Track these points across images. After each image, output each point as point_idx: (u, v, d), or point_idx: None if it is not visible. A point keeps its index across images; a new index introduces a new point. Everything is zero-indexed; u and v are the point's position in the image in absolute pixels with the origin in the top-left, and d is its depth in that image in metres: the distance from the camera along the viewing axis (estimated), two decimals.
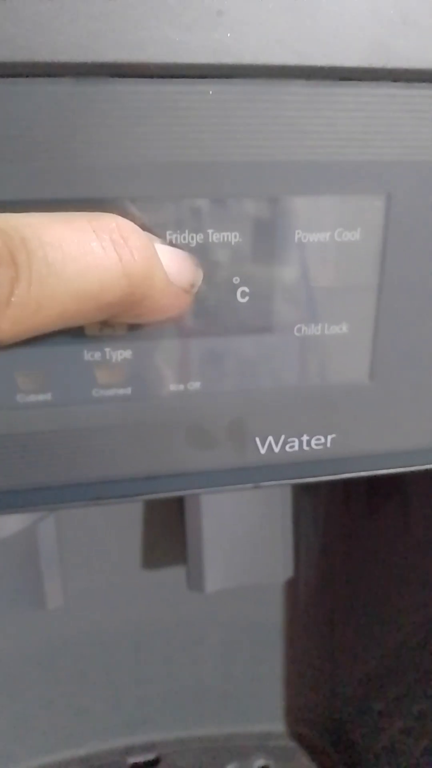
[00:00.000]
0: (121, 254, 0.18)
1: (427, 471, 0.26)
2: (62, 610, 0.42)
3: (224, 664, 0.55)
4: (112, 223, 0.18)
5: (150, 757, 0.54)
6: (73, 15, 0.17)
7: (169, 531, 0.45)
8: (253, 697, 0.56)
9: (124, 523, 0.46)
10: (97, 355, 0.22)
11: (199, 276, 0.21)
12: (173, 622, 0.51)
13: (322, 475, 0.25)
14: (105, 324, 0.21)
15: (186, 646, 0.53)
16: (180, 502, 0.41)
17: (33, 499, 0.23)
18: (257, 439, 0.24)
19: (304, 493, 0.46)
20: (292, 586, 0.51)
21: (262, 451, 0.24)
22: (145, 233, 0.20)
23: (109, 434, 0.23)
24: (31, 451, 0.22)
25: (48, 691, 0.52)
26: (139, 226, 0.19)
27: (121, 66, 0.18)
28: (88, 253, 0.17)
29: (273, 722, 0.56)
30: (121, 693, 0.54)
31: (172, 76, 0.18)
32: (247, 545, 0.40)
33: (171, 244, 0.21)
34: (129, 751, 0.54)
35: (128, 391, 0.22)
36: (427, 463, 0.26)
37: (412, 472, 0.26)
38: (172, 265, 0.20)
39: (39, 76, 0.18)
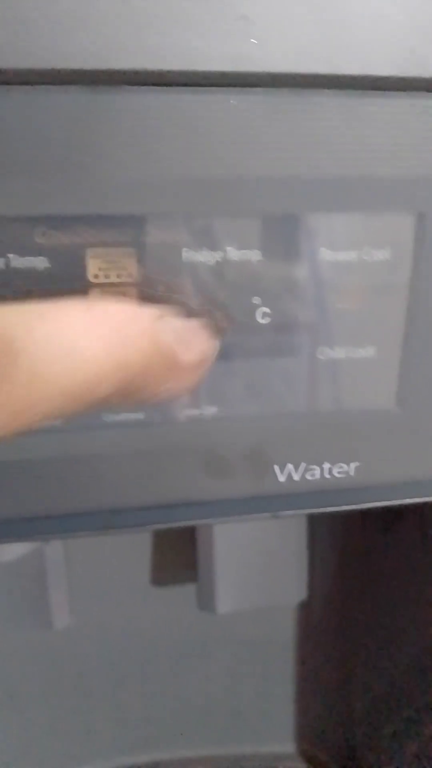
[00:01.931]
0: (113, 347, 0.16)
1: None
2: (69, 630, 0.41)
3: (233, 684, 0.54)
4: (104, 312, 0.17)
5: None
6: (87, 20, 0.16)
7: (179, 549, 0.44)
8: (263, 717, 0.54)
9: (133, 541, 0.44)
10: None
11: (214, 347, 0.20)
12: (181, 641, 0.50)
13: (343, 505, 0.24)
14: None
15: (194, 665, 0.52)
16: None
17: (41, 528, 0.22)
18: (276, 467, 0.23)
19: (319, 515, 0.45)
20: (303, 605, 0.50)
21: (282, 479, 0.23)
22: (150, 310, 0.18)
23: (121, 461, 0.22)
24: (39, 478, 0.21)
25: (54, 709, 0.51)
26: (158, 254, 0.18)
27: (138, 74, 0.17)
28: (79, 349, 0.16)
29: (283, 743, 0.55)
30: (128, 712, 0.53)
31: (192, 85, 0.17)
32: (261, 566, 0.39)
33: (187, 263, 0.20)
34: None
35: (141, 416, 0.21)
36: None
37: None
38: (179, 342, 0.18)
39: (51, 84, 0.17)
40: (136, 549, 0.45)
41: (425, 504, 0.44)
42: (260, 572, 0.39)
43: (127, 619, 0.47)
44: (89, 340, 0.16)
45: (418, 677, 0.52)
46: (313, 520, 0.43)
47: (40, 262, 0.19)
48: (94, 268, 0.19)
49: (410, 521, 0.45)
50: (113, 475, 0.22)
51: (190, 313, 0.20)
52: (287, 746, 0.55)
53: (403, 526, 0.46)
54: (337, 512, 0.24)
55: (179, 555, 0.44)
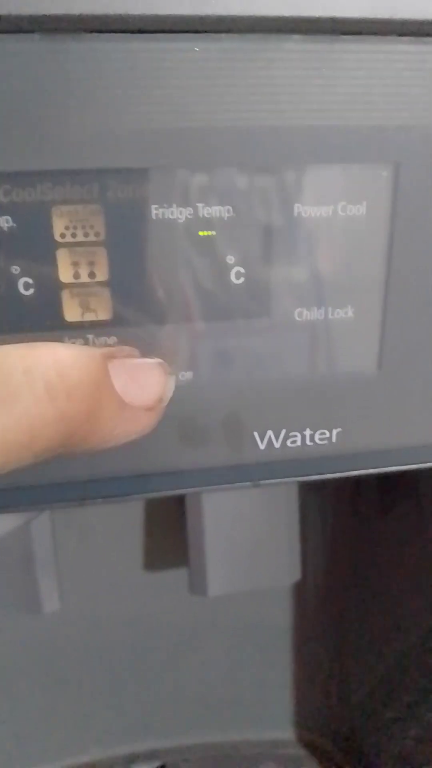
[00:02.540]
0: (55, 397, 0.15)
1: None
2: (60, 614, 0.41)
3: (231, 669, 0.53)
4: (48, 358, 0.16)
5: (154, 765, 0.52)
6: None
7: (171, 531, 0.44)
8: (261, 703, 0.54)
9: (124, 522, 0.44)
10: (80, 342, 0.20)
11: (170, 386, 0.19)
12: (177, 626, 0.49)
13: (326, 473, 0.23)
14: (86, 308, 0.20)
15: (190, 650, 0.52)
16: (181, 501, 0.39)
17: (17, 499, 0.21)
18: (256, 434, 0.22)
19: (311, 493, 0.44)
20: (299, 588, 0.49)
21: (262, 446, 0.22)
22: (100, 351, 0.17)
23: None
24: None
25: (49, 697, 0.51)
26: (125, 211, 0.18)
27: (95, 19, 0.16)
28: (16, 401, 0.15)
29: (281, 729, 0.54)
30: (124, 699, 0.52)
31: (152, 31, 0.16)
32: (252, 548, 0.38)
33: (157, 219, 0.19)
34: (132, 759, 0.52)
35: None
36: None
37: (424, 470, 0.24)
38: (130, 385, 0.17)
39: (4, 32, 0.16)
40: (127, 531, 0.44)
41: (421, 487, 0.43)
42: (252, 554, 0.38)
43: (119, 603, 0.46)
44: (29, 387, 0.15)
45: (417, 662, 0.51)
46: (305, 501, 0.43)
47: (4, 222, 0.18)
48: (59, 226, 0.19)
49: (405, 505, 0.45)
50: None
51: (147, 348, 0.19)
52: (286, 732, 0.54)
53: (398, 510, 0.45)
54: (320, 480, 0.23)
55: (172, 539, 0.44)
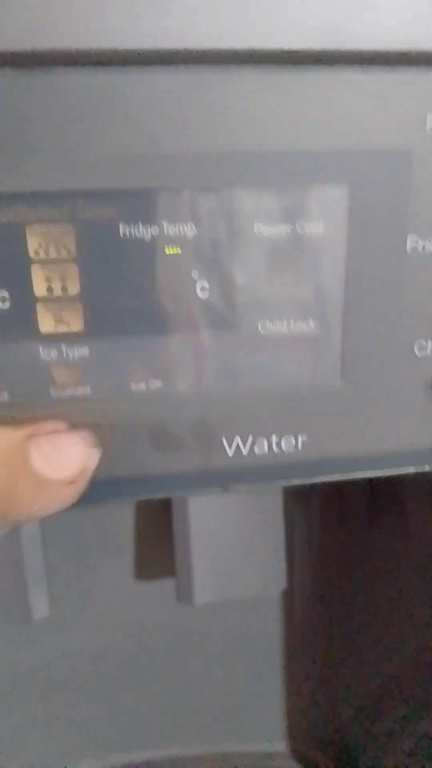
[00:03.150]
0: None
1: (425, 483, 0.25)
2: (51, 623, 0.41)
3: (223, 680, 0.54)
4: None
5: None
6: (11, 2, 0.17)
7: (161, 541, 0.44)
8: (254, 715, 0.54)
9: (114, 532, 0.45)
10: (54, 353, 0.21)
11: (94, 458, 0.19)
12: (170, 636, 0.50)
13: (293, 478, 0.24)
14: (60, 321, 0.21)
15: (183, 662, 0.52)
16: (169, 510, 0.40)
17: None
18: (224, 440, 0.23)
19: (297, 505, 0.45)
20: (286, 601, 0.50)
21: (230, 453, 0.23)
22: (19, 432, 0.18)
23: None
24: None
25: (43, 707, 0.51)
26: (95, 230, 0.19)
27: (62, 54, 0.17)
28: None
29: (274, 741, 0.54)
30: (118, 709, 0.53)
31: (116, 64, 0.18)
32: (238, 557, 0.39)
33: (125, 237, 0.20)
34: None
35: (87, 390, 0.22)
36: (402, 467, 0.24)
37: (409, 482, 0.25)
38: (50, 462, 0.18)
39: None
40: (117, 539, 0.45)
41: (407, 500, 0.44)
42: (237, 563, 0.39)
43: (110, 614, 0.47)
44: None
45: (410, 675, 0.51)
46: (292, 513, 0.43)
47: None
48: (33, 244, 0.20)
49: (391, 518, 0.45)
50: None
51: (71, 422, 0.20)
52: (278, 744, 0.54)
53: (385, 523, 0.46)
54: (287, 485, 0.24)
55: (161, 549, 0.44)
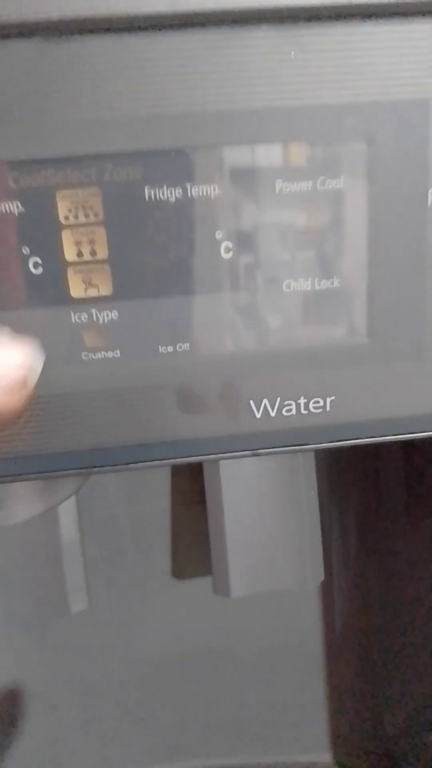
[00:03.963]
0: None
1: None
2: (88, 622, 0.41)
3: (265, 686, 0.52)
4: None
5: None
6: None
7: (198, 541, 0.44)
8: (297, 725, 0.52)
9: (151, 527, 0.45)
10: (84, 317, 0.22)
11: (37, 363, 0.19)
12: (210, 640, 0.49)
13: (323, 441, 0.24)
14: (89, 284, 0.22)
15: (224, 666, 0.51)
16: (203, 505, 0.40)
17: (26, 467, 0.23)
18: (252, 403, 0.23)
19: (334, 495, 0.44)
20: (326, 609, 0.49)
21: (258, 415, 0.23)
22: None
23: (99, 399, 0.23)
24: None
25: (83, 714, 0.51)
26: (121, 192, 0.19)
27: (85, 21, 0.18)
28: None
29: (318, 752, 0.53)
30: (159, 717, 0.52)
31: (136, 29, 0.19)
32: (273, 549, 0.38)
33: (150, 201, 0.21)
34: None
35: (117, 353, 0.22)
36: None
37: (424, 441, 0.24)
38: None
39: (7, 37, 0.19)
40: (154, 538, 0.45)
41: None
42: (273, 555, 0.39)
43: (147, 613, 0.47)
44: None
45: None
46: (327, 500, 0.43)
47: (15, 207, 0.21)
48: (63, 209, 0.21)
49: (431, 508, 0.44)
50: (93, 413, 0.23)
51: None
52: (322, 756, 0.53)
53: (424, 506, 0.45)
54: (316, 449, 0.24)
55: (197, 548, 0.44)
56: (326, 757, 0.53)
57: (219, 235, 0.21)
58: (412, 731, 0.53)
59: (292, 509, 0.39)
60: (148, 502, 0.45)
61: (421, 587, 0.47)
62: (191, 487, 0.44)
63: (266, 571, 0.39)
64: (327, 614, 0.51)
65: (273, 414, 0.23)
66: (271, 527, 0.39)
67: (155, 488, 0.45)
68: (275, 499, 0.38)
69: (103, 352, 0.22)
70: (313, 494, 0.39)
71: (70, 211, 0.21)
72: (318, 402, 0.23)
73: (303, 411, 0.23)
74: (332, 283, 0.22)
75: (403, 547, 0.46)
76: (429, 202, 0.21)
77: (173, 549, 0.46)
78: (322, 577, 0.41)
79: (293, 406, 0.23)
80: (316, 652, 0.52)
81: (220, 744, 0.53)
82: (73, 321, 0.22)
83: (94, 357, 0.22)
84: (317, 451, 0.25)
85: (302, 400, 0.23)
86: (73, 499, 0.34)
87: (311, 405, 0.23)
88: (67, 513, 0.34)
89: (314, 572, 0.40)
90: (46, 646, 0.48)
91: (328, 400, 0.23)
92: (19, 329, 0.21)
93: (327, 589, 0.44)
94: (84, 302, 0.22)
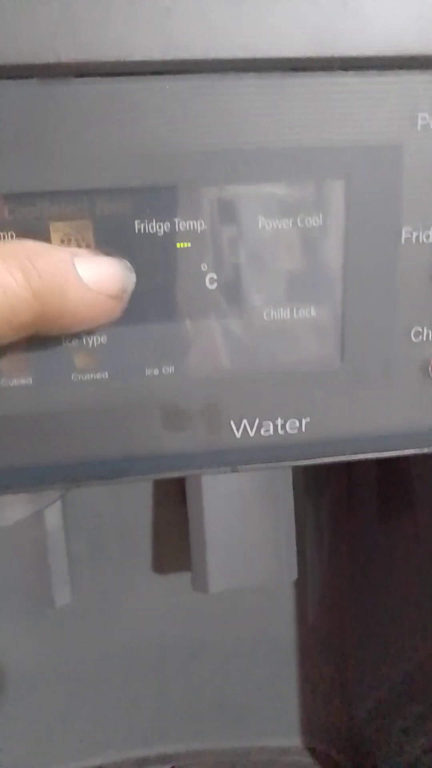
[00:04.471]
0: (29, 278, 0.19)
1: None
2: (73, 614, 0.43)
3: (241, 674, 0.55)
4: (20, 249, 0.20)
5: None
6: (34, 20, 0.19)
7: (178, 537, 0.46)
8: (269, 711, 0.55)
9: (132, 528, 0.46)
10: (75, 341, 0.23)
11: (131, 280, 0.22)
12: (186, 629, 0.51)
13: (299, 459, 0.26)
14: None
15: (202, 655, 0.53)
16: (183, 502, 0.41)
17: (11, 480, 0.24)
18: (232, 422, 0.25)
19: (308, 495, 0.46)
20: (299, 598, 0.51)
21: (238, 434, 0.25)
22: (68, 249, 0.21)
23: (88, 417, 0.24)
24: (10, 434, 0.23)
25: (64, 700, 0.53)
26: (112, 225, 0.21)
27: (80, 65, 0.19)
28: None
29: (288, 737, 0.55)
30: (136, 704, 0.54)
31: (127, 73, 0.20)
32: (250, 547, 0.40)
33: (139, 234, 0.22)
34: (144, 762, 0.53)
35: (105, 375, 0.24)
36: (403, 449, 0.26)
37: (420, 477, 0.26)
38: (94, 274, 0.21)
39: (5, 78, 0.19)
40: (137, 535, 0.47)
41: (415, 483, 0.45)
42: (250, 553, 0.40)
43: (130, 605, 0.48)
44: (6, 272, 0.19)
45: (427, 672, 0.52)
46: (303, 508, 0.45)
47: (9, 236, 0.22)
48: (56, 239, 0.22)
49: (402, 507, 0.46)
50: (80, 430, 0.24)
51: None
52: (293, 740, 0.55)
53: (396, 513, 0.47)
54: (293, 465, 0.25)
55: (179, 542, 0.46)
56: (298, 741, 0.55)
57: (204, 266, 0.23)
58: (380, 716, 0.55)
59: (269, 509, 0.41)
60: (131, 499, 0.47)
61: (391, 579, 0.50)
62: (173, 487, 0.46)
63: (243, 568, 0.41)
64: (300, 604, 0.53)
65: (252, 433, 0.25)
66: (248, 526, 0.41)
67: (138, 486, 0.47)
68: (253, 499, 0.40)
69: (91, 374, 0.24)
70: (288, 494, 0.41)
71: (62, 241, 0.22)
72: (294, 422, 0.25)
73: (280, 431, 0.25)
74: (309, 313, 0.24)
75: (376, 541, 0.48)
76: (402, 239, 0.23)
77: (155, 544, 0.48)
78: (296, 574, 0.43)
79: (270, 426, 0.25)
80: (289, 641, 0.55)
81: (196, 729, 0.56)
82: (64, 344, 0.23)
83: (83, 378, 0.24)
84: None
85: (279, 421, 0.25)
86: (58, 500, 0.35)
87: (287, 425, 0.25)
88: (53, 513, 0.36)
89: (289, 569, 0.42)
90: (29, 634, 0.50)
91: (304, 420, 0.25)
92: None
93: (300, 583, 0.47)
94: None
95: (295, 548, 0.41)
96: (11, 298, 0.19)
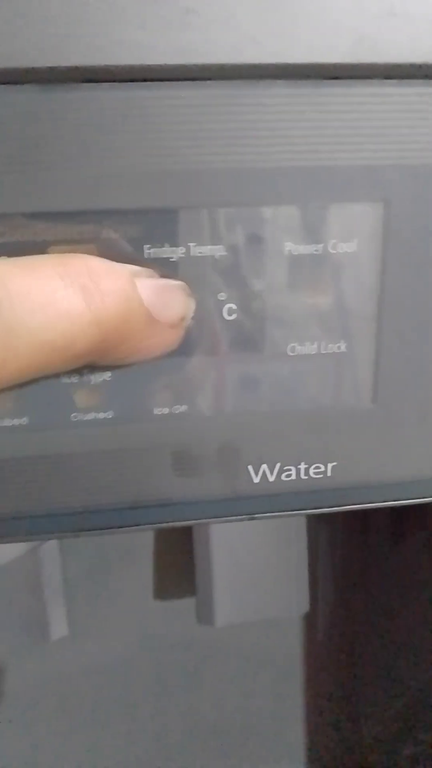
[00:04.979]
0: (90, 301, 0.16)
1: None
2: (70, 642, 0.41)
3: (243, 701, 0.53)
4: (82, 266, 0.17)
5: None
6: (35, 18, 0.16)
7: (180, 562, 0.44)
8: (273, 738, 0.53)
9: (133, 551, 0.44)
10: (75, 377, 0.21)
11: (191, 307, 0.20)
12: (187, 655, 0.49)
13: (322, 507, 0.23)
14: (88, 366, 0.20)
15: (204, 680, 0.51)
16: (189, 530, 0.39)
17: (8, 530, 0.22)
18: (250, 468, 0.22)
19: (321, 524, 0.44)
20: (309, 621, 0.49)
21: (256, 480, 0.22)
22: (127, 267, 0.18)
23: (90, 461, 0.21)
24: (5, 478, 0.21)
25: (62, 724, 0.51)
26: (119, 250, 0.18)
27: (87, 70, 0.17)
28: (53, 302, 0.16)
29: (293, 763, 0.53)
30: (136, 728, 0.52)
31: (141, 80, 0.17)
32: (260, 579, 0.38)
33: (150, 259, 0.19)
34: None
35: (109, 414, 0.21)
36: None
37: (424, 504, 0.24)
38: (156, 301, 0.18)
39: (2, 83, 0.17)
40: (136, 559, 0.45)
41: (429, 514, 0.43)
42: (259, 585, 0.38)
43: (128, 634, 0.46)
44: (66, 293, 0.16)
45: None
46: (315, 532, 0.42)
47: None
48: None
49: (415, 531, 0.44)
50: (82, 475, 0.21)
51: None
52: (297, 766, 0.53)
53: (409, 542, 0.45)
54: (315, 514, 0.23)
55: (181, 568, 0.44)
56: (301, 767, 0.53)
57: (222, 296, 0.20)
58: (387, 743, 0.54)
59: (279, 539, 0.39)
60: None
61: (402, 607, 0.48)
62: None
63: (251, 601, 0.38)
64: (307, 628, 0.51)
65: (272, 479, 0.22)
66: (258, 556, 0.38)
67: None
68: (262, 530, 0.38)
69: (94, 413, 0.21)
70: (301, 522, 0.39)
71: None
72: (319, 468, 0.22)
73: (303, 476, 0.22)
74: (338, 348, 0.21)
75: (386, 573, 0.46)
76: None
77: (156, 570, 0.46)
78: (307, 607, 0.41)
79: (293, 471, 0.22)
80: (294, 664, 0.53)
81: (198, 753, 0.54)
82: (63, 380, 0.21)
83: (84, 418, 0.21)
84: None
85: (303, 465, 0.22)
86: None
87: (312, 470, 0.22)
88: (49, 547, 0.33)
89: (299, 602, 0.40)
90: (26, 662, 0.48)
91: (330, 465, 0.22)
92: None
93: (311, 612, 0.44)
94: None
95: (306, 580, 0.39)
96: (70, 323, 0.16)
